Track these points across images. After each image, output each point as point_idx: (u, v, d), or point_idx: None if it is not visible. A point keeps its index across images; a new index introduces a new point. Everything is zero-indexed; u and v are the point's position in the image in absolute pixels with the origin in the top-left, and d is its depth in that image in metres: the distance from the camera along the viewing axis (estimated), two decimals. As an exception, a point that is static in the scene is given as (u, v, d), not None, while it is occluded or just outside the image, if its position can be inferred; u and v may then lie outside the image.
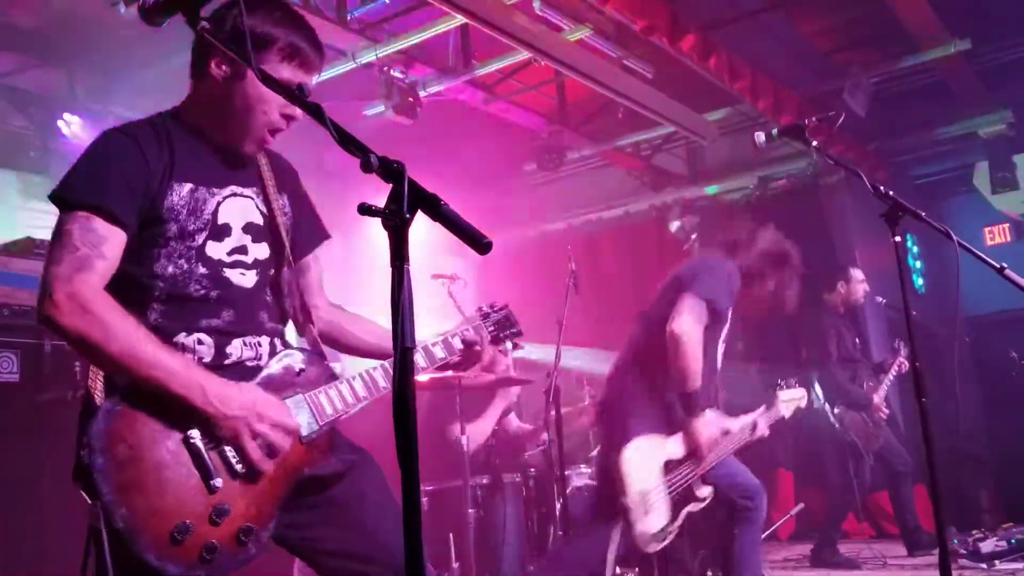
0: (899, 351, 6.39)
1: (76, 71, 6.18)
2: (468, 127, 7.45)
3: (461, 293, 5.84)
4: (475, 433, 4.93)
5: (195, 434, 1.82)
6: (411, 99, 6.00)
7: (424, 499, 4.35)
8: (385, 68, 5.92)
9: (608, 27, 6.24)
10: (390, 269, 1.34)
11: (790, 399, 4.01)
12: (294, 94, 1.66)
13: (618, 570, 3.78)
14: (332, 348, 2.36)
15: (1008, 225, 8.54)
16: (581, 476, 4.89)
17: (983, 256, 2.86)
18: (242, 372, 1.98)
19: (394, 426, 1.31)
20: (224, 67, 1.98)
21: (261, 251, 2.09)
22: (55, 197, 1.87)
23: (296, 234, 2.22)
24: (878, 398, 6.08)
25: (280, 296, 2.15)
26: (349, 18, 5.51)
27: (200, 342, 1.95)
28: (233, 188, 2.06)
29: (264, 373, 1.99)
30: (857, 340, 6.38)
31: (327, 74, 5.96)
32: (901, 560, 5.99)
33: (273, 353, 2.06)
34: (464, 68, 6.21)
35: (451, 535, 4.28)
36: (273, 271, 2.13)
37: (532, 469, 4.82)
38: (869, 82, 7.08)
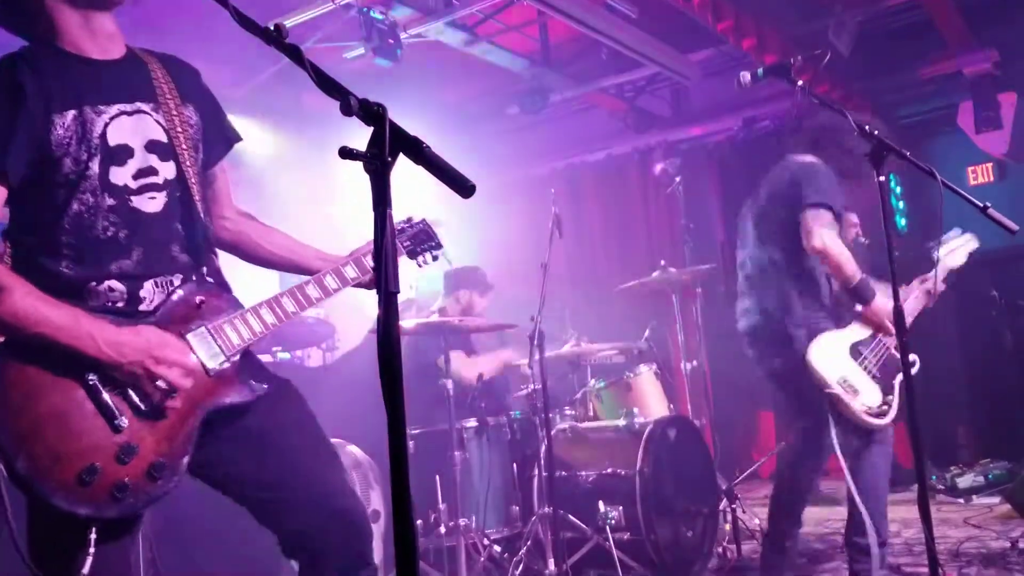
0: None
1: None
2: (450, 69, 7.34)
3: (444, 237, 5.81)
4: (465, 365, 4.98)
5: (93, 377, 1.79)
6: (392, 41, 5.89)
7: (410, 442, 4.38)
8: (365, 9, 5.81)
9: (591, -35, 6.13)
10: (372, 214, 1.33)
11: (956, 247, 4.01)
12: (271, 36, 1.62)
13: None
14: (241, 259, 2.31)
15: (991, 165, 8.55)
16: (565, 418, 4.94)
17: (966, 195, 2.87)
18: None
19: (379, 371, 1.30)
20: None
21: (169, 170, 2.01)
22: None
23: (205, 144, 2.13)
24: None
25: (192, 221, 2.05)
26: (326, -43, 5.38)
27: (111, 289, 1.91)
28: (121, 107, 1.95)
29: (162, 310, 1.94)
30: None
31: (306, 15, 5.84)
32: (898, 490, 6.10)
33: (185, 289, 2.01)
34: (445, 8, 6.10)
35: (437, 477, 4.34)
36: (181, 192, 2.03)
37: (516, 412, 4.87)
38: (854, 21, 7.01)
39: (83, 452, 1.73)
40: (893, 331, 3.42)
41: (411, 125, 1.41)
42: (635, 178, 8.81)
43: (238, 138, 2.27)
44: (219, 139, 2.21)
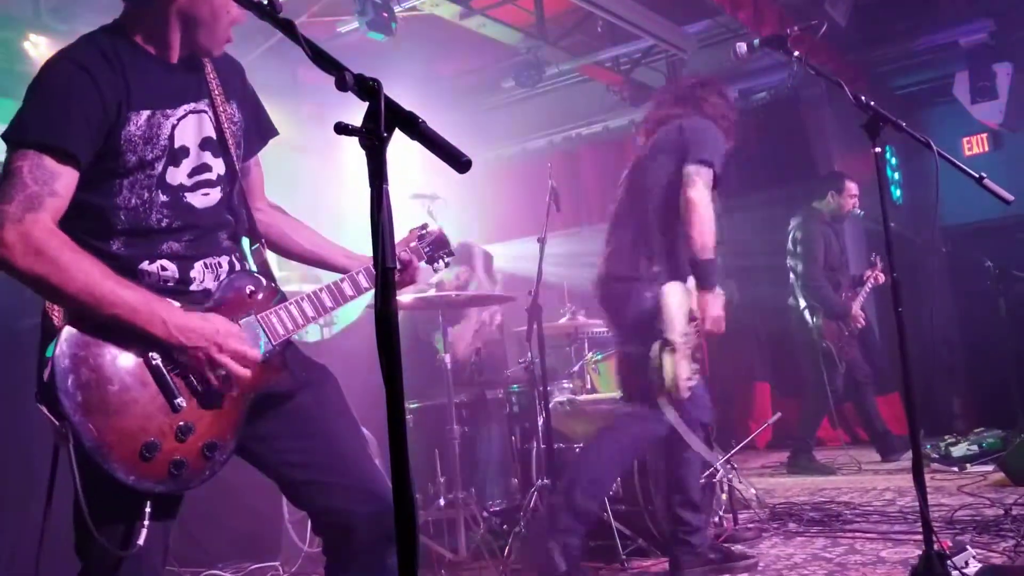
0: (875, 264, 6.49)
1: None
2: (445, 43, 7.30)
3: (442, 212, 5.81)
4: (460, 337, 5.00)
5: (156, 356, 1.85)
6: (386, 14, 5.86)
7: (409, 417, 4.41)
8: (358, -18, 5.77)
9: (586, -64, 6.09)
10: (369, 189, 1.34)
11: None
12: (265, 10, 1.62)
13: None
14: (269, 249, 2.35)
15: (986, 135, 8.54)
16: (563, 391, 4.97)
17: (962, 166, 2.87)
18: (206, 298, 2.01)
19: (377, 346, 1.32)
20: None
21: (219, 166, 2.08)
22: (5, 136, 1.83)
23: (246, 140, 2.19)
24: (856, 308, 6.20)
25: (235, 211, 2.14)
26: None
27: (163, 268, 1.96)
28: (187, 107, 2.02)
29: (218, 295, 2.03)
30: (845, 250, 6.50)
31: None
32: (875, 465, 6.17)
33: (232, 271, 2.09)
34: (439, -19, 6.06)
35: (436, 451, 4.37)
36: (230, 186, 2.12)
37: (515, 385, 4.89)
38: (850, -10, 6.98)
39: (145, 429, 1.81)
40: (703, 331, 3.52)
41: (406, 99, 1.42)
42: (632, 150, 8.78)
43: (275, 132, 2.34)
44: (256, 134, 2.27)
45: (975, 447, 5.59)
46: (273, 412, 2.07)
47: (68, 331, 1.79)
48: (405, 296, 4.41)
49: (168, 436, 1.83)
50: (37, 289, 1.79)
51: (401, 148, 1.51)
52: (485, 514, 4.36)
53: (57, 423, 1.72)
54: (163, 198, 1.96)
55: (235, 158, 2.10)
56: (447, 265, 2.60)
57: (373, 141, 1.33)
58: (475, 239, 5.84)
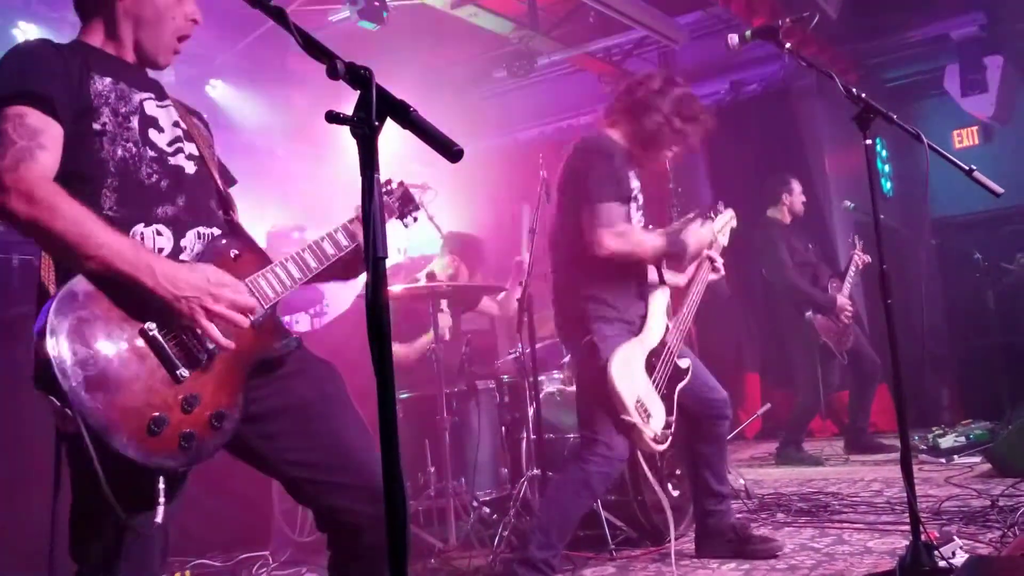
0: (854, 245, 6.48)
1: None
2: (436, 33, 7.28)
3: (433, 202, 5.78)
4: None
5: (152, 326, 1.82)
6: (377, 4, 5.83)
7: (399, 407, 4.41)
8: (349, -29, 5.74)
9: (578, -74, 6.07)
10: (360, 178, 1.33)
11: (724, 224, 3.86)
12: (255, -2, 1.61)
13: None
14: None
15: (977, 128, 8.58)
16: (553, 382, 4.97)
17: (952, 158, 2.88)
18: None
19: (368, 335, 1.31)
20: None
21: (193, 149, 2.12)
22: None
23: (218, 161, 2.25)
24: (842, 297, 6.19)
25: (218, 190, 2.17)
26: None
27: (159, 233, 1.95)
28: (150, 94, 2.07)
29: (203, 251, 2.01)
30: (810, 245, 6.47)
31: (289, -23, 5.78)
32: (863, 456, 6.20)
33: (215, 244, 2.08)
34: (431, -30, 6.04)
35: (427, 441, 4.37)
36: (208, 167, 2.15)
37: (505, 376, 4.90)
38: (842, -18, 6.98)
39: (151, 404, 1.77)
40: (713, 260, 3.54)
41: (397, 89, 1.41)
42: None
43: (234, 181, 2.36)
44: (224, 169, 2.32)
45: (963, 439, 5.63)
46: (278, 410, 2.04)
47: (58, 305, 1.73)
48: (395, 286, 4.41)
49: (174, 408, 1.80)
50: (29, 233, 1.79)
51: (391, 137, 1.50)
52: (475, 504, 4.37)
53: (58, 404, 1.68)
54: (151, 153, 1.99)
55: (206, 149, 2.15)
56: (415, 220, 2.57)
57: (364, 130, 1.32)
58: (466, 229, 5.83)
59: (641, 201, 3.59)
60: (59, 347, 1.70)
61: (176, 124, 2.10)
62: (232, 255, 2.03)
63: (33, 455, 3.77)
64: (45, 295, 1.83)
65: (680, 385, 3.49)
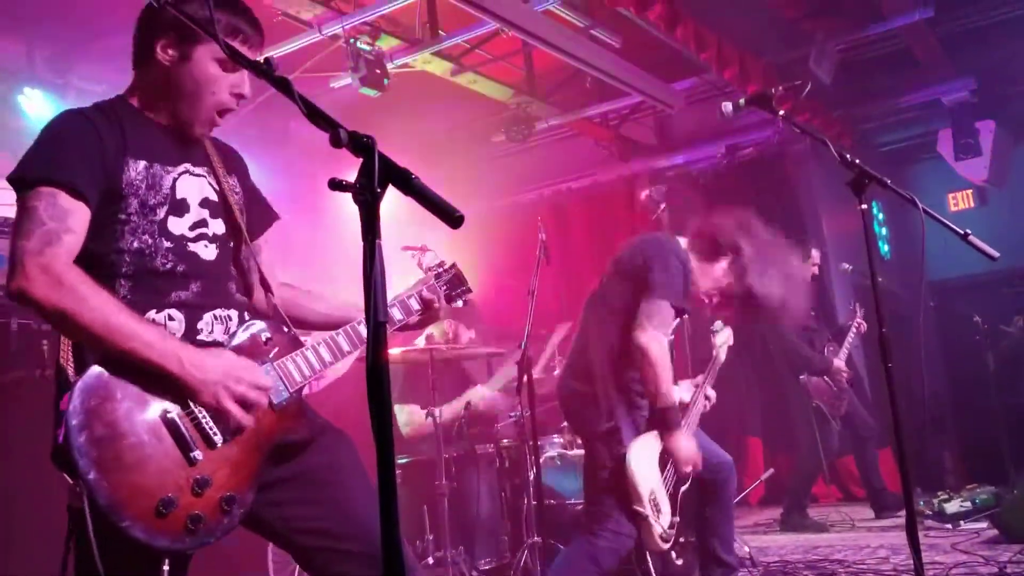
0: (856, 312, 6.48)
1: (36, 43, 6.05)
2: (436, 98, 7.39)
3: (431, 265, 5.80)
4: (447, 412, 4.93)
5: (172, 408, 1.84)
6: (378, 71, 5.94)
7: (397, 471, 4.36)
8: (352, 40, 5.85)
9: (575, -4, 6.21)
10: (362, 244, 1.34)
11: (723, 343, 3.92)
12: (262, 68, 1.64)
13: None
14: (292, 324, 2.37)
15: (971, 191, 8.67)
16: (554, 446, 4.93)
17: (947, 222, 2.90)
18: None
19: (368, 400, 1.31)
20: (171, 51, 2.02)
21: (219, 226, 2.12)
22: (14, 178, 1.88)
23: (249, 214, 2.25)
24: (839, 361, 6.17)
25: (242, 271, 2.19)
26: (313, -12, 5.43)
27: (171, 318, 1.97)
28: (186, 166, 2.08)
29: (234, 343, 2.02)
30: (812, 310, 6.46)
31: (293, 46, 5.88)
32: (868, 522, 6.12)
33: (243, 322, 2.09)
34: (431, 39, 6.15)
35: (425, 507, 4.31)
36: (232, 246, 2.16)
37: (505, 440, 4.86)
38: (834, 50, 7.12)
39: (161, 484, 1.77)
40: (687, 470, 3.33)
41: (397, 153, 1.43)
42: (621, 205, 8.86)
43: (277, 216, 2.40)
44: (262, 213, 2.34)
45: (968, 504, 5.56)
46: (289, 470, 2.04)
47: (82, 384, 1.76)
48: (394, 350, 4.40)
49: (185, 490, 1.80)
50: (55, 322, 1.81)
51: (391, 199, 1.51)
52: (475, 573, 4.29)
53: (71, 482, 1.70)
54: (167, 244, 1.99)
55: (240, 218, 2.15)
56: (465, 303, 2.61)
57: (367, 197, 1.34)
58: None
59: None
60: (75, 424, 1.72)
61: (205, 202, 2.09)
62: (264, 339, 2.06)
63: (24, 521, 3.72)
64: (64, 376, 1.84)
65: (683, 488, 3.45)
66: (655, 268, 3.34)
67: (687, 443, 3.31)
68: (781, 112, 3.12)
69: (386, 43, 6.14)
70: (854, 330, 6.41)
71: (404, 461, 4.52)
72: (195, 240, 2.05)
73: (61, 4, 5.37)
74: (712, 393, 3.80)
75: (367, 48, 5.95)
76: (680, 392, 3.62)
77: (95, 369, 1.79)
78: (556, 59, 6.47)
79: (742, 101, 3.22)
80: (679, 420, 3.34)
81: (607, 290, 3.54)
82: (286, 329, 2.14)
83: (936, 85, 7.88)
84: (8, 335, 4.15)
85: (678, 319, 3.51)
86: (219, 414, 1.88)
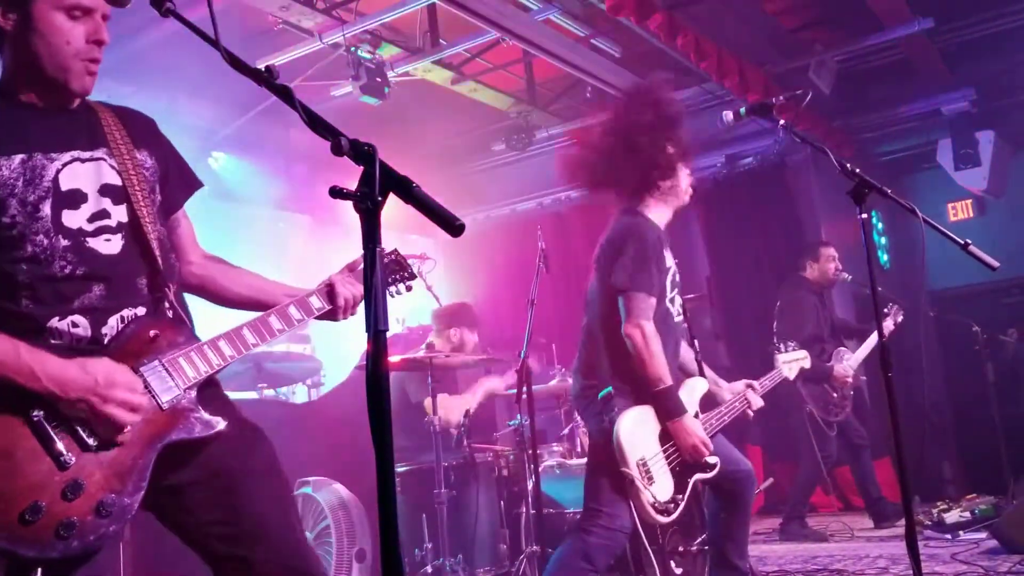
0: (891, 314, 6.28)
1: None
2: (436, 107, 7.41)
3: (431, 273, 5.80)
4: (450, 408, 4.92)
5: (39, 413, 1.77)
6: (379, 79, 5.95)
7: (397, 480, 4.36)
8: (353, 48, 5.87)
9: (575, 6, 6.23)
10: (362, 251, 1.34)
11: (792, 359, 4.06)
12: (263, 77, 1.64)
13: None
14: (210, 302, 2.32)
15: (971, 201, 8.67)
16: (553, 455, 4.93)
17: (948, 232, 2.90)
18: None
19: (368, 408, 1.31)
20: (10, 15, 1.91)
21: (122, 213, 2.00)
22: None
23: (164, 188, 2.15)
24: (840, 366, 6.11)
25: (151, 258, 2.03)
26: (315, -3, 5.45)
27: (75, 324, 1.89)
28: (75, 153, 1.97)
29: (115, 343, 1.92)
30: (830, 316, 6.45)
31: (295, 54, 5.89)
32: (868, 532, 6.10)
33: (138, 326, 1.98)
34: (432, 48, 6.17)
35: (424, 516, 4.30)
36: (142, 231, 2.02)
37: (504, 449, 4.85)
38: (834, 60, 7.14)
39: (27, 490, 1.70)
40: (699, 456, 3.31)
41: (397, 161, 1.43)
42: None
43: (199, 184, 2.29)
44: (179, 185, 2.23)
45: (968, 514, 5.55)
46: (199, 481, 1.96)
47: None
48: (394, 357, 4.40)
49: (54, 496, 1.72)
50: None
51: (392, 206, 1.52)
52: (473, 581, 4.28)
53: None
54: (63, 242, 1.90)
55: (145, 203, 2.03)
56: (409, 289, 2.46)
57: (367, 205, 1.34)
58: (464, 299, 5.84)
59: (678, 279, 3.63)
60: None
61: (104, 188, 1.98)
62: (151, 335, 1.95)
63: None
64: None
65: (700, 476, 3.42)
66: (625, 265, 3.38)
67: (689, 430, 3.29)
68: (781, 121, 3.13)
69: (387, 52, 6.16)
70: (872, 339, 6.24)
71: (403, 469, 4.51)
72: (94, 234, 1.94)
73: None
74: (759, 402, 3.82)
75: (368, 56, 5.97)
76: (723, 391, 3.76)
77: None
78: (556, 68, 6.49)
79: (742, 110, 3.24)
80: (677, 405, 3.32)
81: (594, 285, 3.61)
82: (182, 322, 2.04)
83: (936, 95, 7.90)
84: None
85: (672, 295, 3.53)
86: (95, 417, 1.80)
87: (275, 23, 5.59)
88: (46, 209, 1.89)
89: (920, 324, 7.31)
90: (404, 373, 4.82)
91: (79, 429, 1.79)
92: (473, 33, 6.04)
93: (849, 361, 6.16)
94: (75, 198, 1.94)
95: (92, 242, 1.94)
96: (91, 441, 1.79)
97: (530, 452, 4.29)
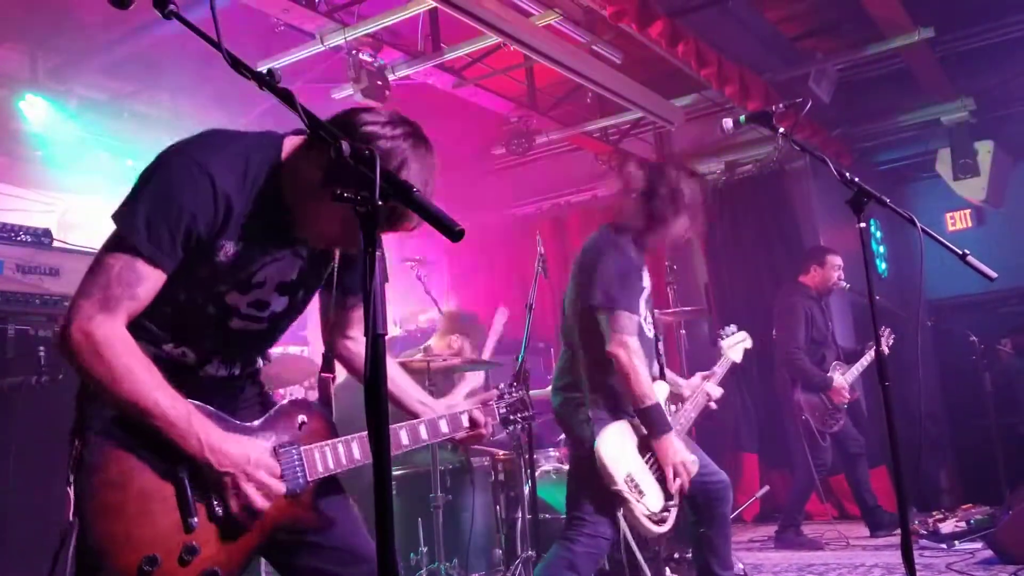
0: (884, 339, 6.30)
1: (39, 52, 6.07)
2: (437, 111, 7.41)
3: (430, 276, 5.83)
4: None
5: (184, 471, 1.83)
6: (380, 83, 5.95)
7: (393, 483, 4.35)
8: (354, 51, 5.87)
9: (577, 12, 6.24)
10: (362, 255, 1.35)
11: (735, 343, 4.03)
12: (265, 80, 1.65)
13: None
14: (350, 374, 2.42)
15: (969, 211, 8.69)
16: (550, 459, 4.92)
17: (946, 242, 2.91)
18: (217, 386, 2.01)
19: (366, 412, 1.31)
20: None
21: (281, 304, 2.06)
22: (117, 220, 1.81)
23: (346, 275, 2.20)
24: (839, 378, 6.12)
25: (272, 339, 2.14)
26: (318, 0, 5.45)
27: (184, 354, 1.96)
28: (286, 252, 2.00)
29: (266, 420, 2.01)
30: (830, 323, 6.44)
31: (296, 56, 5.90)
32: (863, 540, 6.10)
33: (243, 375, 2.09)
34: (433, 52, 6.18)
35: (419, 519, 4.30)
36: (287, 320, 2.12)
37: (500, 452, 4.85)
38: (834, 69, 7.15)
39: (152, 540, 1.77)
40: (679, 477, 3.30)
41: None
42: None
43: (386, 279, 2.35)
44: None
45: (964, 524, 5.55)
46: (289, 539, 2.04)
47: (108, 423, 1.79)
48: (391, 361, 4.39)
49: (172, 554, 1.78)
50: (88, 382, 1.82)
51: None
52: (468, 585, 4.28)
53: (72, 499, 1.72)
54: (211, 310, 1.96)
55: (303, 296, 2.11)
56: (523, 429, 2.57)
57: (367, 209, 1.34)
58: (463, 304, 5.85)
59: (650, 298, 3.64)
60: (92, 462, 1.75)
61: (280, 285, 2.02)
62: (299, 421, 2.05)
63: (16, 527, 3.70)
64: (87, 399, 1.85)
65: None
66: (608, 282, 3.39)
67: (673, 448, 3.29)
68: (781, 130, 3.13)
69: (388, 55, 6.16)
70: (869, 356, 6.30)
71: (399, 473, 4.51)
72: (243, 318, 2.00)
73: (66, 15, 5.38)
74: (718, 391, 3.80)
75: (369, 60, 5.97)
76: (682, 388, 3.74)
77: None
78: (557, 74, 6.49)
79: (742, 118, 3.24)
80: (664, 422, 3.32)
81: (570, 295, 3.65)
82: (327, 415, 2.12)
83: (935, 105, 7.92)
84: (5, 340, 4.14)
85: (645, 313, 3.53)
86: (235, 492, 1.87)
87: (276, 25, 5.59)
88: (223, 288, 1.97)
89: (917, 334, 7.32)
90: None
91: (212, 498, 1.86)
92: (474, 38, 6.04)
93: (845, 376, 6.17)
94: (254, 288, 2.00)
95: (234, 322, 2.02)
96: (219, 510, 1.86)
97: (527, 457, 4.29)
